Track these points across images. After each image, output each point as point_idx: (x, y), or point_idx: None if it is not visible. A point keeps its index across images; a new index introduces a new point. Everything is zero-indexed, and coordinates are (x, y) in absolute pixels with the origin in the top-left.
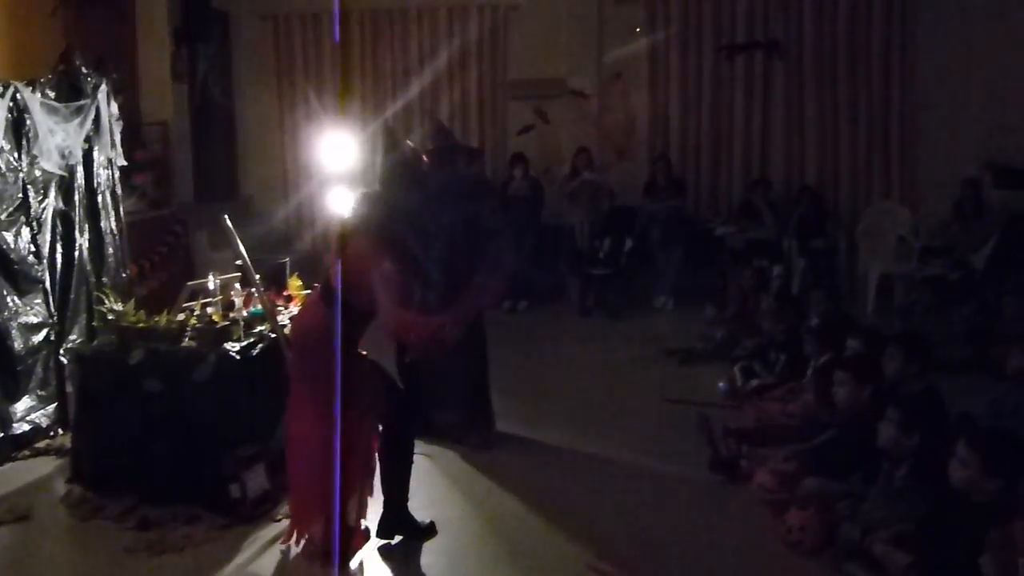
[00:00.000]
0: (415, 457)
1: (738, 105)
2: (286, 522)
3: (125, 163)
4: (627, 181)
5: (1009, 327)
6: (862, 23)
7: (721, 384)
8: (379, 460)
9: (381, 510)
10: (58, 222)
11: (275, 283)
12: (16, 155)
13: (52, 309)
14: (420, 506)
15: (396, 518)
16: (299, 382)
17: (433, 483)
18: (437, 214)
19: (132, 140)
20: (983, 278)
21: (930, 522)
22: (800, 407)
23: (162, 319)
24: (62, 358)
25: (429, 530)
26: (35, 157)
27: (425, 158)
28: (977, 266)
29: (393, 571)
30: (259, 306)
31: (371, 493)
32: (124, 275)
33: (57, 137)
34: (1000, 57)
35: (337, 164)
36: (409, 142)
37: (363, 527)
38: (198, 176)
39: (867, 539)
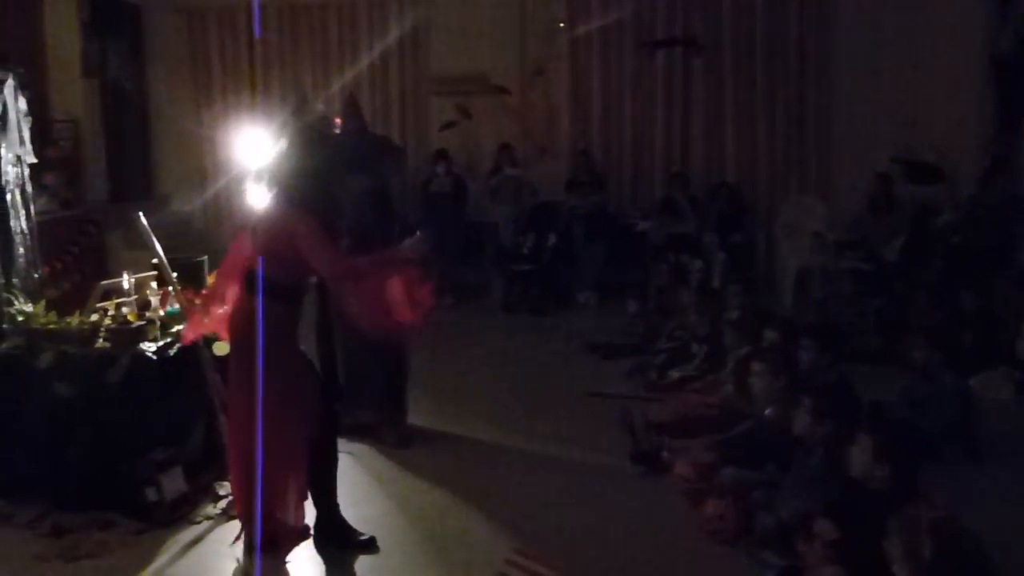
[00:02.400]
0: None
1: (659, 101)
2: (205, 524)
3: (35, 160)
4: (550, 177)
5: (918, 319)
6: (779, 21)
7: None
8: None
9: (315, 513)
10: None
11: (193, 281)
12: None
13: None
14: (344, 504)
15: (329, 521)
16: (235, 376)
17: (356, 481)
18: (346, 180)
19: (42, 138)
20: (894, 270)
21: (836, 508)
22: (720, 399)
23: (74, 320)
24: None
25: (367, 545)
26: None
27: (336, 121)
28: (889, 258)
29: (319, 568)
30: (176, 305)
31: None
32: (36, 276)
33: None
34: (911, 55)
35: (254, 160)
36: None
37: (301, 526)
38: (112, 174)
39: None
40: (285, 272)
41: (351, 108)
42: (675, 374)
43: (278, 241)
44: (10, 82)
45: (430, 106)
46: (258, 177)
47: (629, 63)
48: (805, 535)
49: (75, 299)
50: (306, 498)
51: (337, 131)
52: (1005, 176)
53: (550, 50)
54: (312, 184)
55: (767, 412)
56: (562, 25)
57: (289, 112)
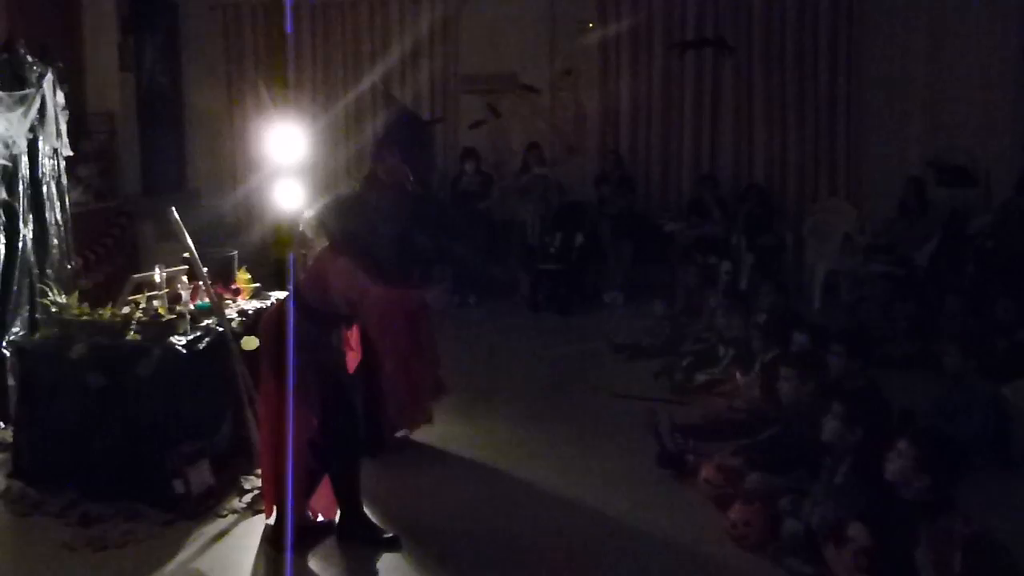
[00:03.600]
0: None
1: (688, 102)
2: (231, 517)
3: (71, 153)
4: (578, 176)
5: (950, 325)
6: (810, 24)
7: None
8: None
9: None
10: (1, 213)
11: (223, 276)
12: None
13: None
14: (368, 501)
15: (353, 518)
16: (265, 375)
17: (380, 478)
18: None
19: (78, 130)
20: (926, 275)
21: (867, 516)
22: (746, 402)
23: (106, 312)
24: (3, 351)
25: (390, 543)
26: None
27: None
28: (920, 263)
29: (343, 564)
30: (206, 300)
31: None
32: (69, 267)
33: (0, 126)
34: (942, 57)
35: (286, 156)
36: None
37: (326, 522)
38: (145, 167)
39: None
40: (319, 298)
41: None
42: (702, 377)
43: (319, 272)
44: (49, 76)
45: (459, 104)
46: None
47: (658, 64)
48: (835, 542)
49: (108, 289)
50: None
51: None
52: None
53: (579, 50)
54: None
55: (796, 416)
56: (591, 26)
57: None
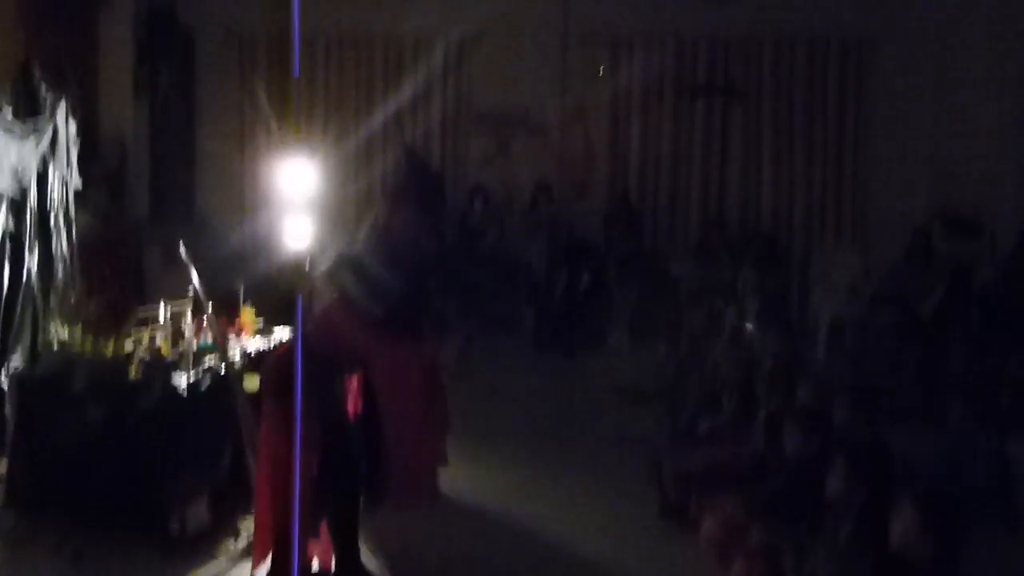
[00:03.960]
0: None
1: (697, 146)
2: (225, 561)
3: (80, 184)
4: (586, 217)
5: (956, 377)
6: (818, 72)
7: None
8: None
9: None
10: (7, 242)
11: (227, 309)
12: None
13: None
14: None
15: (350, 566)
16: (268, 418)
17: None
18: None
19: (89, 153)
20: (932, 326)
21: None
22: (750, 452)
23: (109, 347)
24: (2, 380)
25: None
26: None
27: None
28: (926, 313)
29: None
30: (209, 339)
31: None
32: (73, 296)
33: (11, 155)
34: (949, 108)
35: (296, 191)
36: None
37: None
38: (154, 193)
39: None
40: (326, 346)
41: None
42: (705, 423)
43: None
44: (63, 106)
45: (470, 141)
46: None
47: (668, 107)
48: None
49: (111, 315)
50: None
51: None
52: None
53: (591, 92)
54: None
55: (800, 470)
56: (602, 68)
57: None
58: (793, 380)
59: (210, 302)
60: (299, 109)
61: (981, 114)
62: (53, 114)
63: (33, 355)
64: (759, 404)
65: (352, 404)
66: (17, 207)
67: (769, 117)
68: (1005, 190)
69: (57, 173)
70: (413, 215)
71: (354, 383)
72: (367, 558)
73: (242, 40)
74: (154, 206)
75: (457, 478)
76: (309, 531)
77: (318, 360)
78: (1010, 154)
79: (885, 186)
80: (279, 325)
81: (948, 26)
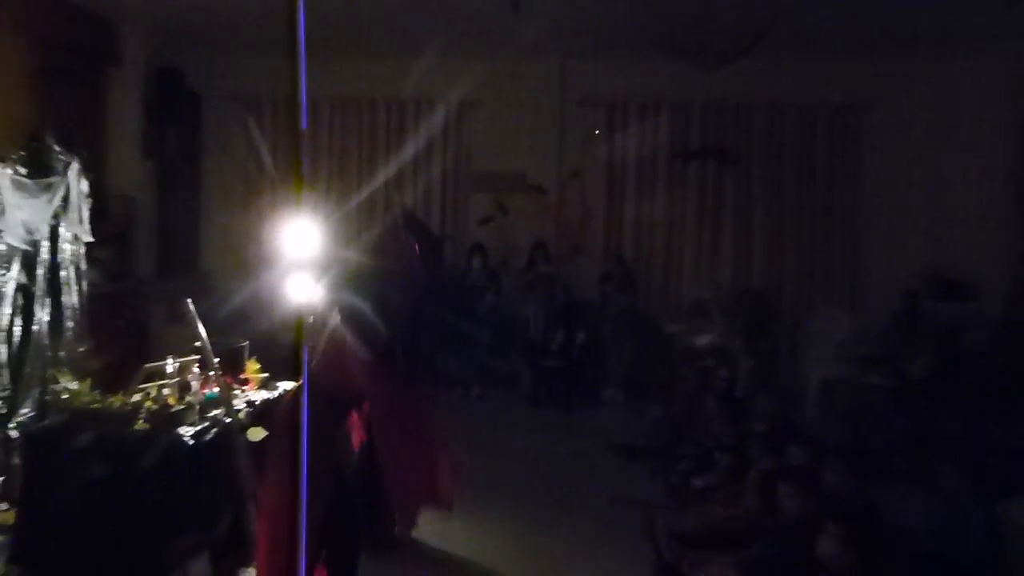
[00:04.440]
0: None
1: (690, 209)
2: None
3: (91, 239)
4: (582, 276)
5: (945, 439)
6: (808, 137)
7: None
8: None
9: None
10: (19, 296)
11: (233, 366)
12: None
13: (5, 383)
14: None
15: None
16: (275, 464)
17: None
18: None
19: (98, 213)
20: (921, 389)
21: None
22: (742, 511)
23: (116, 400)
24: (11, 432)
25: None
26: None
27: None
28: (917, 376)
29: None
30: (215, 390)
31: None
32: (81, 350)
33: (23, 212)
34: (938, 173)
35: (299, 251)
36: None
37: None
38: (160, 250)
39: None
40: (332, 379)
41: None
42: (698, 481)
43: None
44: (75, 165)
45: (469, 201)
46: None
47: (663, 170)
48: None
49: (118, 370)
50: None
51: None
52: None
53: (587, 154)
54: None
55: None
56: (598, 132)
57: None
58: (784, 440)
59: (216, 358)
60: (303, 167)
61: (970, 180)
62: (65, 173)
63: (42, 407)
64: (751, 462)
65: (356, 437)
66: (29, 261)
67: (761, 181)
68: (993, 255)
69: (68, 230)
70: (411, 272)
71: (355, 417)
72: None
73: (247, 103)
74: (160, 264)
75: (454, 531)
76: None
77: (325, 399)
78: (998, 220)
79: (875, 249)
80: (283, 380)
81: (937, 93)
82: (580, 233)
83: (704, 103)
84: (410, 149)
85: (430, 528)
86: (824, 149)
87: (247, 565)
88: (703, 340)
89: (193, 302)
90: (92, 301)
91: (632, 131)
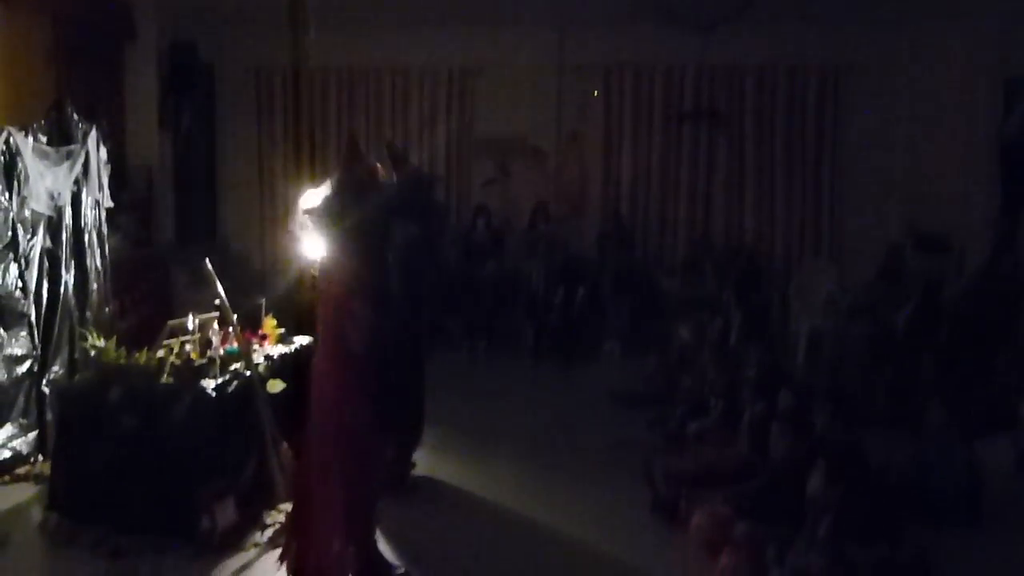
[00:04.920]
0: None
1: (684, 168)
2: (253, 551)
3: (112, 205)
4: (581, 234)
5: (926, 385)
6: (798, 98)
7: None
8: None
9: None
10: (45, 260)
11: (251, 323)
12: (7, 196)
13: (36, 342)
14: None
15: (366, 556)
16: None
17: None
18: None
19: (118, 182)
20: (904, 337)
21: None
22: (736, 453)
23: (142, 356)
24: (44, 389)
25: None
26: (25, 198)
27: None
28: (899, 325)
29: None
30: (235, 345)
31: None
32: (107, 311)
33: (47, 180)
34: (922, 130)
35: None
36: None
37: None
38: (179, 217)
39: None
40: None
41: (395, 155)
42: (693, 426)
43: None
44: (94, 134)
45: (472, 165)
46: (305, 222)
47: (657, 132)
48: None
49: (142, 332)
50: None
51: (383, 180)
52: (1010, 251)
53: (585, 117)
54: (357, 232)
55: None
56: (596, 95)
57: (341, 160)
58: (774, 385)
59: (235, 314)
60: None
61: (952, 136)
62: (84, 141)
63: (71, 365)
64: (743, 408)
65: None
66: (54, 227)
67: (751, 141)
68: (974, 208)
69: (90, 196)
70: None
71: None
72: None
73: (259, 74)
74: (180, 230)
75: (464, 475)
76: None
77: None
78: (979, 174)
79: (861, 205)
80: (298, 336)
81: (922, 54)
82: (579, 194)
83: (697, 66)
84: (415, 116)
85: (445, 468)
86: (811, 109)
87: (271, 508)
88: (697, 294)
89: (214, 266)
90: (117, 266)
91: (627, 93)
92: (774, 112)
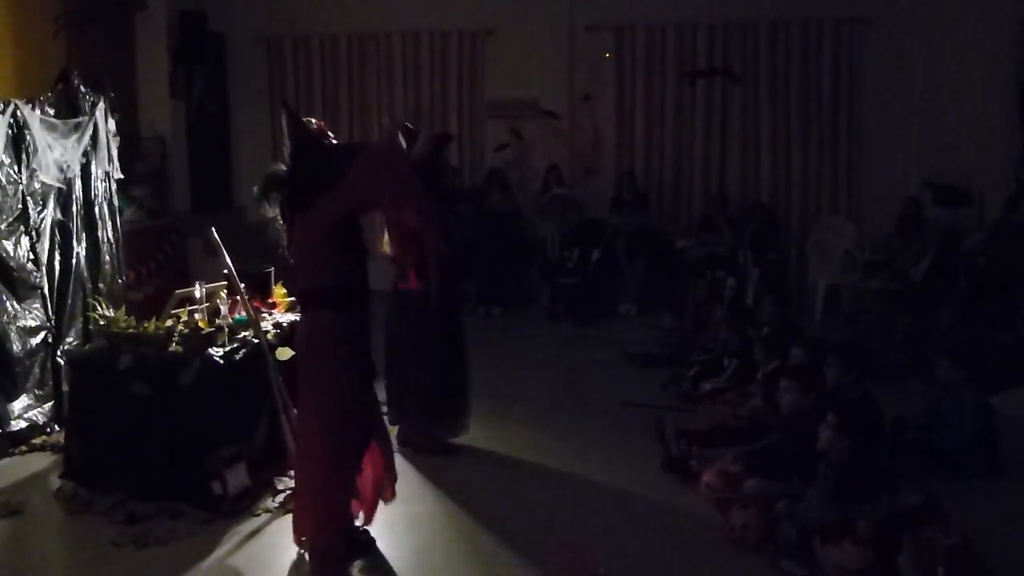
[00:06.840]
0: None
1: (698, 127)
2: (264, 516)
3: (121, 176)
4: (595, 196)
5: (943, 337)
6: (812, 54)
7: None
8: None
9: None
10: (56, 231)
11: (260, 291)
12: (16, 168)
13: (50, 313)
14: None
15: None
16: (300, 383)
17: (405, 480)
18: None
19: (132, 153)
20: (921, 290)
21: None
22: (748, 411)
23: (151, 325)
24: (58, 359)
25: (364, 546)
26: (34, 170)
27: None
28: (916, 279)
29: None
30: (243, 313)
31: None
32: (120, 282)
33: (55, 152)
34: (938, 83)
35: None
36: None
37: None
38: (194, 187)
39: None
40: (323, 272)
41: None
42: (707, 385)
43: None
44: (101, 105)
45: (485, 129)
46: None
47: (671, 91)
48: (831, 541)
49: (158, 302)
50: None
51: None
52: None
53: (597, 78)
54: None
55: (793, 425)
56: (608, 56)
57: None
58: (788, 345)
59: (242, 283)
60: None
61: (969, 89)
62: (92, 113)
63: (85, 335)
64: (757, 367)
65: None
66: (64, 199)
67: (766, 97)
68: (992, 161)
69: (99, 167)
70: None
71: None
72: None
73: (270, 40)
74: (195, 200)
75: (482, 434)
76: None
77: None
78: (996, 127)
79: (877, 159)
80: None
81: (935, 4)
82: (592, 155)
83: (709, 23)
84: (427, 80)
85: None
86: (826, 64)
87: (282, 474)
88: (712, 253)
89: (228, 233)
90: (132, 237)
91: (639, 53)
92: (789, 67)
